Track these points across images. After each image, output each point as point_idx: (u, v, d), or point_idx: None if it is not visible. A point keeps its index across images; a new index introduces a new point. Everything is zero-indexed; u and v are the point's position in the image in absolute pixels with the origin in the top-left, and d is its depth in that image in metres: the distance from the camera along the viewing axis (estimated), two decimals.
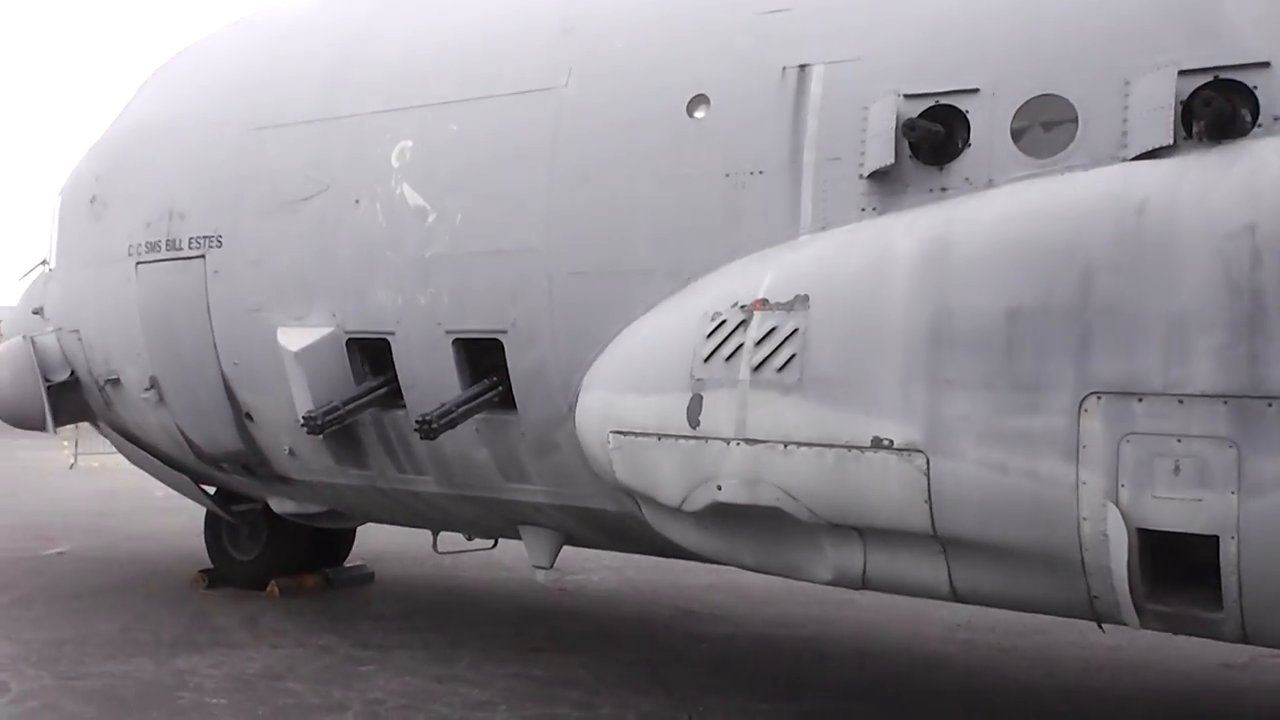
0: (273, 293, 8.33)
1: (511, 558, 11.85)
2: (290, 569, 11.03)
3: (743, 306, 6.08)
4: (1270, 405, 4.75)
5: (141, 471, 11.49)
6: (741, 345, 5.99)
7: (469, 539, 9.91)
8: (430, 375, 7.68)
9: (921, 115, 5.90)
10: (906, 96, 5.97)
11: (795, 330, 5.84)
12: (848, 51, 6.25)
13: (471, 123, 7.45)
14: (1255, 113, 5.18)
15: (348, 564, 11.80)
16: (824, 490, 5.72)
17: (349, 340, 8.04)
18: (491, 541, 10.10)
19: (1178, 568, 5.13)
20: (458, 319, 7.48)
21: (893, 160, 5.89)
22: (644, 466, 6.38)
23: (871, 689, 8.14)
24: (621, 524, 7.50)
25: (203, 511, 11.46)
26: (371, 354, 8.08)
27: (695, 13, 6.93)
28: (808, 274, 5.94)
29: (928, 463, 5.43)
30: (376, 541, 12.58)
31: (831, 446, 5.67)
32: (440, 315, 7.54)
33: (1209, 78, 5.27)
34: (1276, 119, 5.13)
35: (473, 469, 7.88)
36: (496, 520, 8.47)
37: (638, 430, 6.36)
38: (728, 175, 6.48)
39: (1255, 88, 5.18)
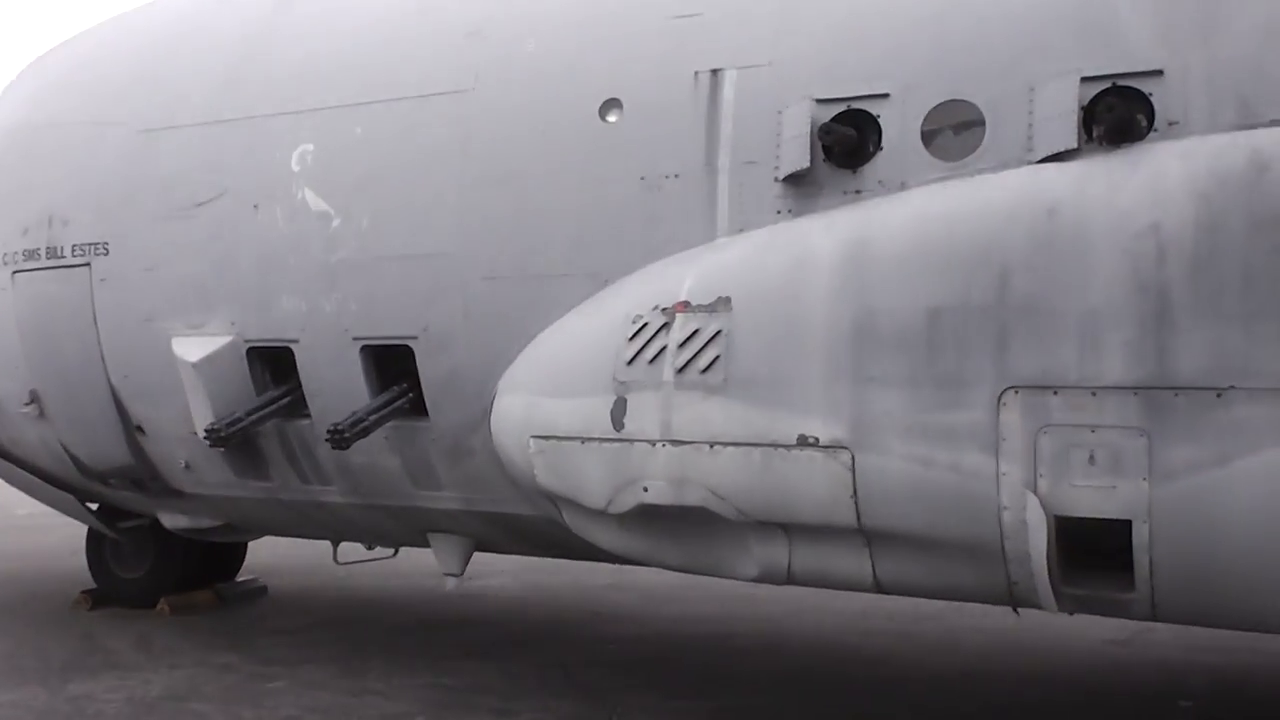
0: (167, 301, 8.05)
1: (408, 566, 11.69)
2: (180, 586, 10.65)
3: (664, 309, 6.14)
4: (1178, 395, 5.02)
5: (1, 488, 10.95)
6: (665, 347, 6.05)
7: (369, 548, 9.76)
8: (336, 383, 7.53)
9: (834, 119, 6.04)
10: (819, 101, 6.10)
11: (718, 332, 5.92)
12: (759, 56, 6.36)
13: (377, 125, 7.33)
14: (1151, 118, 5.46)
15: (239, 579, 11.47)
16: (751, 489, 5.81)
17: (249, 349, 7.83)
18: (392, 550, 9.95)
19: (1090, 553, 5.38)
20: (366, 325, 7.36)
21: (808, 164, 6.02)
22: (567, 470, 6.38)
23: (783, 682, 8.27)
24: (537, 528, 7.48)
25: (76, 529, 10.99)
26: (273, 363, 7.88)
27: (604, 16, 6.95)
28: (729, 276, 6.03)
29: (853, 459, 5.57)
30: (263, 555, 12.25)
31: (758, 445, 5.77)
32: (347, 322, 7.41)
33: (1108, 84, 5.53)
34: (1171, 124, 5.42)
35: (381, 477, 7.76)
36: (405, 529, 8.35)
37: (560, 434, 6.36)
38: (643, 179, 6.52)
39: (1150, 94, 5.46)
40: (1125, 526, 5.14)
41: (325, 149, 7.47)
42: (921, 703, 7.80)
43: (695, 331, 5.98)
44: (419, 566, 12.12)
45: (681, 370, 5.97)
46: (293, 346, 7.64)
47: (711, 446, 5.88)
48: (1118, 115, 5.39)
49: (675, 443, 5.97)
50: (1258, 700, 7.90)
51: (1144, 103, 5.46)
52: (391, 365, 7.46)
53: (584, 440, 6.26)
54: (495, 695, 7.82)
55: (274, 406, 7.76)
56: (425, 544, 8.45)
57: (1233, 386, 4.94)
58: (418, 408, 7.38)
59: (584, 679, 8.28)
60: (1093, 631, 9.34)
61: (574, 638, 9.76)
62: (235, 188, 7.76)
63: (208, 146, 7.94)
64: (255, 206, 7.67)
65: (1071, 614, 5.74)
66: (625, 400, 6.12)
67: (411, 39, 7.46)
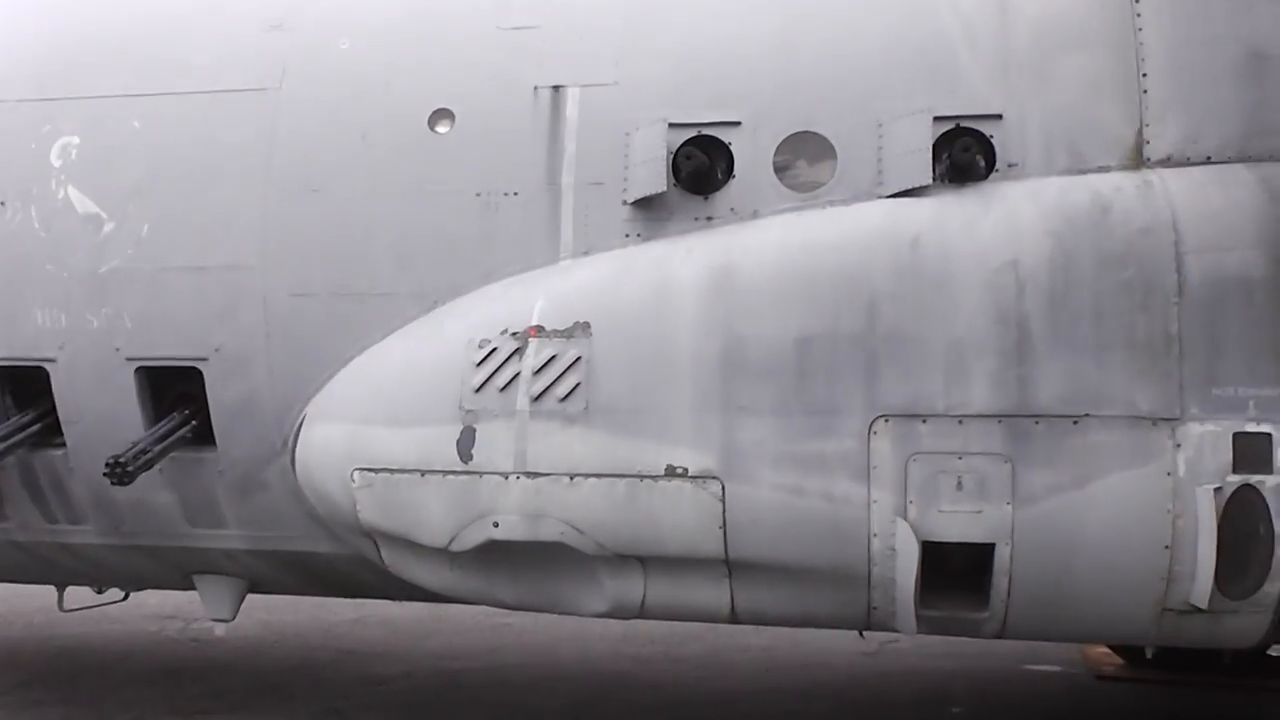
0: None
1: (120, 610, 10.49)
2: None
3: (515, 334, 5.83)
4: (1038, 423, 5.31)
5: None
6: (518, 374, 5.73)
7: (99, 592, 8.68)
8: (102, 409, 6.61)
9: (685, 144, 5.96)
10: (671, 125, 5.99)
11: (578, 358, 5.69)
12: (605, 75, 6.18)
13: (160, 120, 6.51)
14: (991, 159, 5.75)
15: None
16: (614, 522, 5.61)
17: None
18: (123, 594, 8.89)
19: (942, 574, 5.57)
20: (143, 344, 6.51)
21: (663, 188, 5.90)
22: (400, 505, 5.90)
23: (579, 714, 8.08)
24: (335, 567, 6.88)
25: None
26: (16, 384, 6.82)
27: (427, 19, 6.53)
28: (585, 300, 5.81)
29: (723, 489, 5.49)
30: None
31: (623, 477, 5.57)
32: (119, 340, 6.52)
33: (953, 125, 5.78)
34: (1010, 165, 5.74)
35: (150, 515, 6.87)
36: (167, 571, 7.43)
37: (394, 466, 5.88)
38: (479, 195, 6.17)
39: (991, 136, 5.76)
40: (986, 549, 5.36)
41: (95, 143, 6.55)
42: None
43: (552, 358, 5.71)
44: (138, 610, 10.97)
45: (538, 399, 5.68)
46: (47, 366, 6.65)
47: (571, 478, 5.62)
48: (968, 156, 5.63)
49: (531, 475, 5.67)
50: (1013, 703, 8.53)
51: (985, 144, 5.75)
52: (167, 389, 6.66)
53: (424, 473, 5.82)
54: None
55: (22, 435, 6.71)
56: (189, 586, 7.57)
57: (1087, 414, 5.29)
58: (201, 436, 6.61)
59: None
60: (840, 645, 9.76)
61: (338, 680, 9.10)
62: None
63: None
64: (2, 204, 6.63)
65: (944, 634, 5.90)
66: (474, 430, 5.75)
67: (200, 27, 6.68)
